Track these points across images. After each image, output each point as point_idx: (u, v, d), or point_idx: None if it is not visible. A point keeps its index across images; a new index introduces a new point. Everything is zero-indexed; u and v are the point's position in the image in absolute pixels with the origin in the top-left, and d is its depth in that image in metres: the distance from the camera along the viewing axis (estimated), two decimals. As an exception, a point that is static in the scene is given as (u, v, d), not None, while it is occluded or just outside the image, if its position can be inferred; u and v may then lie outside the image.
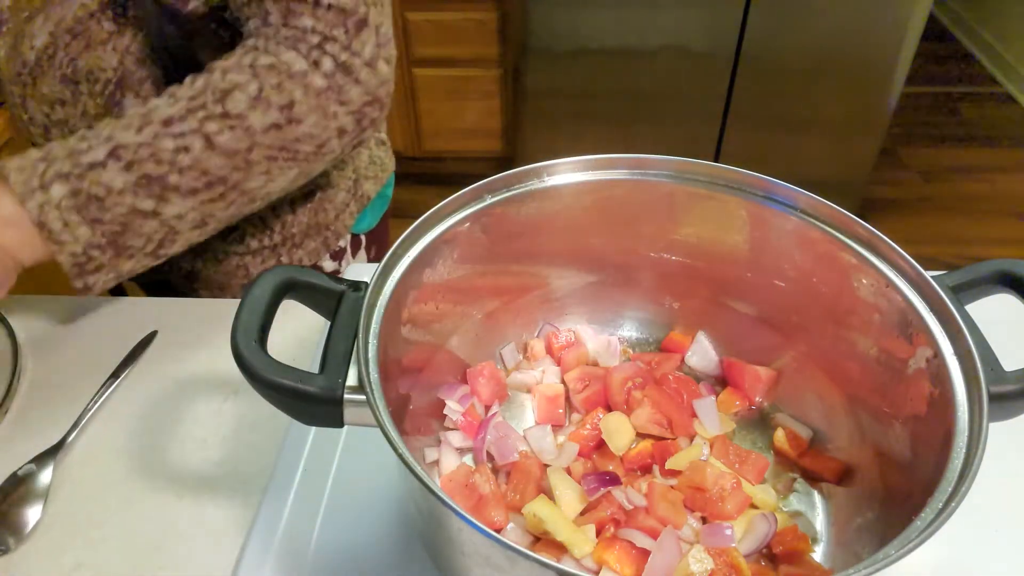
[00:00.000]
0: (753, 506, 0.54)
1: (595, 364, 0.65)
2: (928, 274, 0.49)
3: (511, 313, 0.64)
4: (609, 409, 0.61)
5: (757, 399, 0.62)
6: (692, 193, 0.58)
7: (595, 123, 2.20)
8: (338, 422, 0.44)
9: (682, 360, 0.65)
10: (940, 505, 0.39)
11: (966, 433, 0.42)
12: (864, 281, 0.52)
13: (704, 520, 0.53)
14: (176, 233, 0.66)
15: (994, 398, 0.43)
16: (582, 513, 0.53)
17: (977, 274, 0.51)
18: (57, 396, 0.69)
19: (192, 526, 0.59)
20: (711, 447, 0.58)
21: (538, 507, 0.51)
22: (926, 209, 2.43)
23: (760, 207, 0.56)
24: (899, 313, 0.50)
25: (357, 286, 0.49)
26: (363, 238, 0.97)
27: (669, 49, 2.02)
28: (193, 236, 0.68)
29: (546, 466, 0.56)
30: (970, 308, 0.48)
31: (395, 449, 0.39)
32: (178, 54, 0.73)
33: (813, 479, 0.57)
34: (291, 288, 0.48)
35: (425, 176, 2.47)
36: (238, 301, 0.47)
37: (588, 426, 0.59)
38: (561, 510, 0.52)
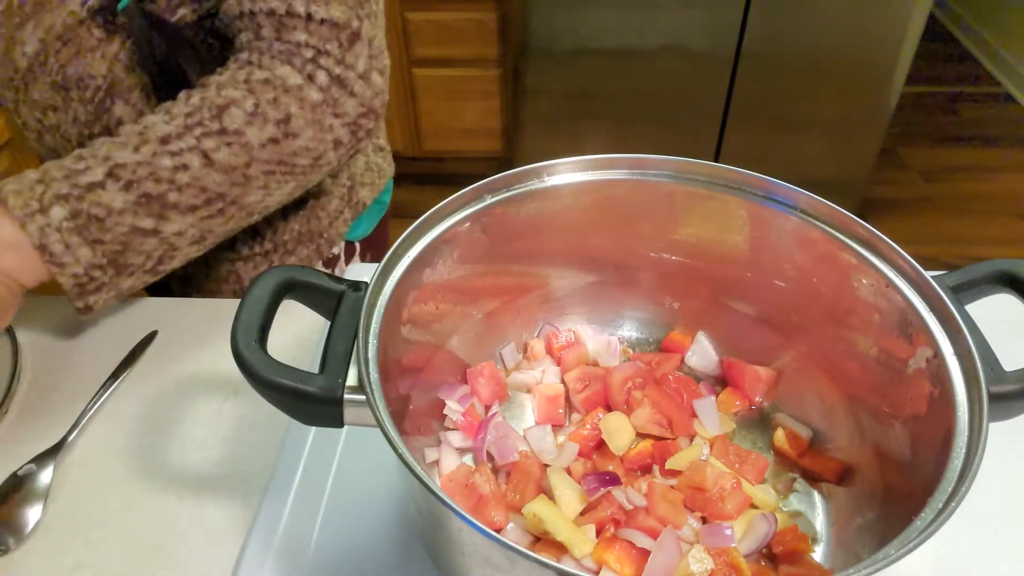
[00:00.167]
0: (753, 506, 0.54)
1: (595, 364, 0.65)
2: (928, 274, 0.49)
3: (511, 313, 0.64)
4: (609, 409, 0.61)
5: (757, 399, 0.62)
6: (692, 193, 0.58)
7: (595, 123, 2.20)
8: (338, 422, 0.44)
9: (682, 360, 0.65)
10: (940, 505, 0.39)
11: (966, 433, 0.42)
12: (864, 281, 0.52)
13: (704, 520, 0.53)
14: (175, 250, 0.66)
15: (994, 398, 0.43)
16: (582, 513, 0.53)
17: (977, 274, 0.51)
18: (57, 396, 0.69)
19: (192, 526, 0.59)
20: (711, 447, 0.58)
21: (538, 507, 0.51)
22: (926, 209, 2.43)
23: (760, 207, 0.56)
24: (899, 313, 0.50)
25: (357, 286, 0.49)
26: (357, 245, 0.97)
27: (669, 49, 2.02)
28: (192, 251, 0.68)
29: (546, 466, 0.56)
30: (970, 308, 0.48)
31: (395, 449, 0.40)
32: (166, 65, 0.73)
33: (813, 479, 0.57)
34: (291, 288, 0.48)
35: (425, 176, 2.47)
36: (238, 301, 0.47)
37: (588, 426, 0.59)
38: (561, 510, 0.52)
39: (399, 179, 1.06)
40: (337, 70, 0.67)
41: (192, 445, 0.65)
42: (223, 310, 0.75)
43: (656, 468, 0.57)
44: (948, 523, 0.38)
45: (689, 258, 0.62)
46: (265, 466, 0.62)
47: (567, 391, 0.63)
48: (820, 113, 2.11)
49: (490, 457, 0.58)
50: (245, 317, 0.45)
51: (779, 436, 0.59)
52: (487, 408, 0.61)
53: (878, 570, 0.36)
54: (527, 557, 0.36)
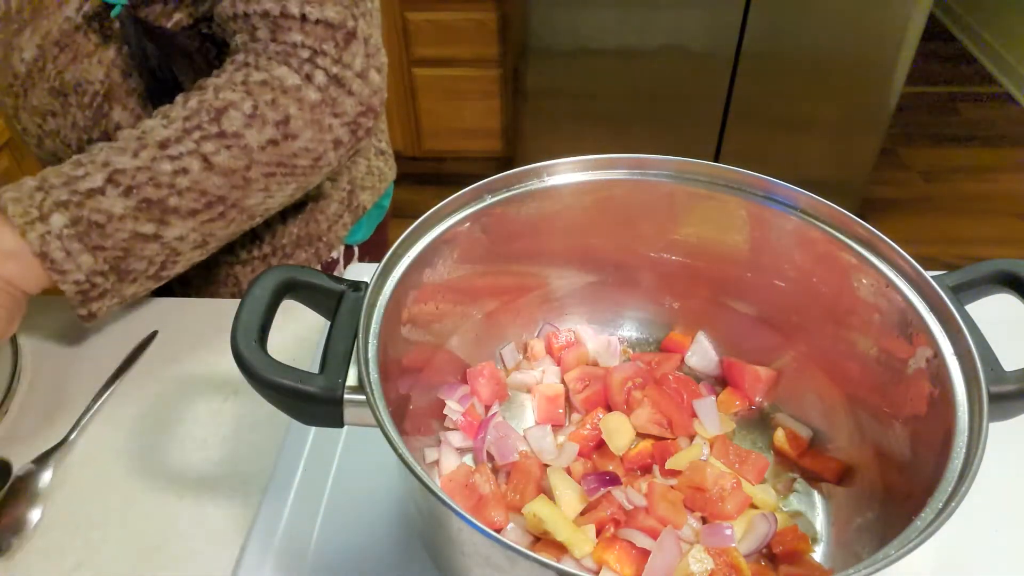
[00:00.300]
0: (753, 506, 0.54)
1: (595, 364, 0.65)
2: (928, 274, 0.49)
3: (511, 313, 0.64)
4: (609, 409, 0.61)
5: (757, 399, 0.62)
6: (692, 193, 0.58)
7: (595, 123, 2.20)
8: (338, 422, 0.44)
9: (682, 360, 0.65)
10: (940, 505, 0.39)
11: (966, 433, 0.42)
12: (864, 281, 0.52)
13: (704, 520, 0.53)
14: (178, 255, 0.66)
15: (994, 398, 0.43)
16: (582, 513, 0.53)
17: (977, 274, 0.51)
18: (57, 396, 0.69)
19: (192, 526, 0.59)
20: (711, 447, 0.58)
21: (538, 507, 0.51)
22: (926, 209, 2.43)
23: (760, 207, 0.56)
24: (899, 313, 0.50)
25: (357, 286, 0.49)
26: (356, 249, 0.97)
27: (669, 49, 2.02)
28: (195, 256, 0.68)
29: (546, 466, 0.56)
30: (970, 308, 0.48)
31: (395, 449, 0.40)
32: (160, 72, 0.73)
33: (813, 479, 0.57)
34: (291, 288, 0.48)
35: (425, 176, 2.47)
36: (238, 301, 0.47)
37: (588, 426, 0.59)
38: (561, 510, 0.52)
39: (399, 179, 1.06)
40: (334, 69, 0.67)
41: (192, 445, 0.65)
42: (223, 310, 0.75)
43: (656, 468, 0.57)
44: (948, 523, 0.38)
45: (689, 258, 0.62)
46: (265, 466, 0.62)
47: (567, 391, 0.63)
48: (820, 113, 2.11)
49: (490, 457, 0.58)
50: (245, 317, 0.45)
51: (779, 436, 0.59)
52: (487, 408, 0.61)
53: (878, 570, 0.36)
54: (527, 557, 0.36)
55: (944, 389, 0.45)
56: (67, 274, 0.61)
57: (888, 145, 2.55)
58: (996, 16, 3.10)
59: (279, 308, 0.48)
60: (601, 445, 0.58)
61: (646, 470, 0.57)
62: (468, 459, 0.58)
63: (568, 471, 0.56)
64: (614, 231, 0.62)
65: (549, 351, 0.65)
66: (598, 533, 0.51)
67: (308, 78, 0.66)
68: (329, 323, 0.48)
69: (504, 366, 0.65)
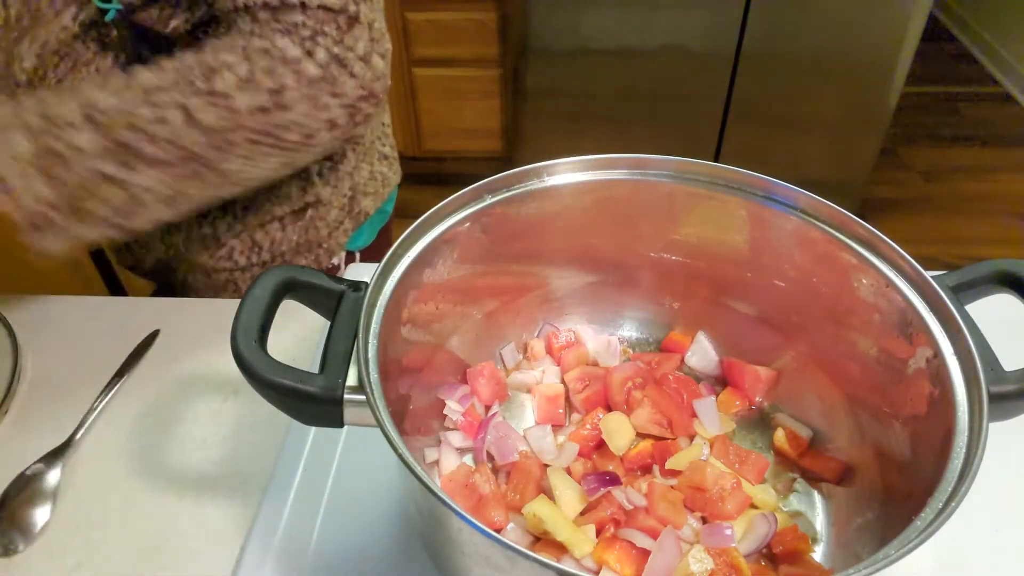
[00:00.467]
0: (753, 506, 0.54)
1: (595, 364, 0.65)
2: (928, 274, 0.49)
3: (511, 313, 0.64)
4: (609, 409, 0.61)
5: (757, 399, 0.62)
6: (692, 193, 0.58)
7: (595, 123, 2.20)
8: (338, 422, 0.44)
9: (682, 360, 0.65)
10: (940, 505, 0.39)
11: (966, 433, 0.42)
12: (864, 281, 0.52)
13: (704, 520, 0.53)
14: (142, 205, 0.64)
15: (994, 398, 0.43)
16: (582, 513, 0.53)
17: (977, 274, 0.51)
18: (57, 396, 0.69)
19: (192, 526, 0.59)
20: (711, 447, 0.58)
21: (538, 507, 0.51)
22: (926, 209, 2.43)
23: (760, 207, 0.56)
24: (899, 313, 0.50)
25: (357, 286, 0.49)
26: (358, 255, 0.96)
27: (669, 49, 2.02)
28: (162, 211, 0.65)
29: (546, 466, 0.56)
30: (970, 308, 0.48)
31: (395, 449, 0.40)
32: None
33: (813, 479, 0.57)
34: (291, 288, 0.48)
35: (425, 176, 2.47)
36: (238, 301, 0.47)
37: (588, 426, 0.59)
38: (561, 510, 0.52)
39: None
40: (336, 49, 0.65)
41: (192, 445, 0.65)
42: (224, 310, 0.75)
43: (656, 468, 0.57)
44: (948, 523, 0.38)
45: (689, 258, 0.62)
46: (265, 466, 0.62)
47: (567, 391, 0.63)
48: (820, 113, 2.11)
49: (490, 457, 0.58)
50: (245, 317, 0.45)
51: (779, 436, 0.59)
52: (487, 408, 0.61)
53: (878, 570, 0.36)
54: (527, 557, 0.36)
55: (944, 389, 0.45)
56: (20, 199, 0.59)
57: (888, 145, 2.55)
58: (996, 16, 3.10)
59: (279, 308, 0.48)
60: (601, 445, 0.58)
61: (646, 470, 0.57)
62: (468, 459, 0.58)
63: (568, 471, 0.56)
64: (614, 231, 0.62)
65: (549, 351, 0.65)
66: (598, 533, 0.51)
67: (309, 53, 0.65)
68: (329, 323, 0.48)
69: (504, 366, 0.65)
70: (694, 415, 0.60)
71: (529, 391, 0.63)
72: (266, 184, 0.82)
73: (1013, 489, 0.59)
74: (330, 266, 0.92)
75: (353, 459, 0.61)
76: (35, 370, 0.72)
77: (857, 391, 0.55)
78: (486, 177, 0.55)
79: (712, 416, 0.59)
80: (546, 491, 0.54)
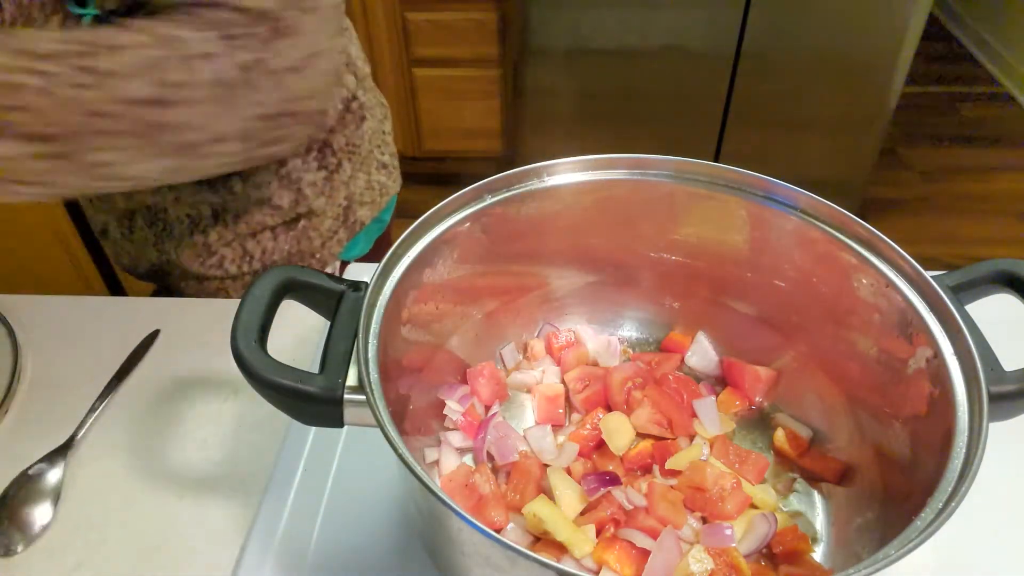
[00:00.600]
0: (753, 506, 0.54)
1: (595, 364, 0.65)
2: (928, 274, 0.49)
3: (511, 313, 0.64)
4: (609, 409, 0.61)
5: (757, 399, 0.62)
6: (692, 193, 0.58)
7: (595, 123, 2.20)
8: (338, 422, 0.44)
9: (682, 360, 0.65)
10: (940, 505, 0.39)
11: (966, 433, 0.42)
12: (864, 281, 0.52)
13: (704, 520, 0.53)
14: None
15: (994, 398, 0.43)
16: (582, 513, 0.53)
17: (977, 274, 0.51)
18: (57, 396, 0.69)
19: (192, 526, 0.59)
20: (711, 447, 0.58)
21: (538, 507, 0.51)
22: (926, 209, 2.43)
23: (760, 207, 0.56)
24: (899, 313, 0.50)
25: (357, 286, 0.49)
26: (353, 265, 0.95)
27: (669, 49, 2.02)
28: (30, 191, 0.60)
29: (546, 466, 0.56)
30: (970, 308, 0.48)
31: (395, 449, 0.40)
32: None
33: (813, 479, 0.57)
34: (291, 288, 0.48)
35: (425, 176, 2.47)
36: (238, 301, 0.47)
37: (588, 426, 0.59)
38: (561, 510, 0.52)
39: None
40: (262, 54, 0.60)
41: (192, 445, 0.65)
42: (224, 310, 0.75)
43: (656, 468, 0.57)
44: (948, 523, 0.38)
45: (689, 258, 0.62)
46: (265, 466, 0.62)
47: (567, 391, 0.63)
48: (820, 113, 2.11)
49: (490, 457, 0.58)
50: (245, 317, 0.45)
51: (779, 436, 0.59)
52: (487, 408, 0.61)
53: (878, 570, 0.36)
54: (527, 557, 0.36)
55: (944, 389, 0.45)
56: None
57: (888, 145, 2.55)
58: (996, 16, 3.10)
59: (279, 308, 0.48)
60: (601, 445, 0.58)
61: (646, 470, 0.57)
62: (468, 459, 0.58)
63: (568, 471, 0.56)
64: (614, 231, 0.62)
65: (549, 351, 0.65)
66: (598, 533, 0.51)
67: (231, 53, 0.60)
68: (329, 323, 0.48)
69: (504, 366, 0.65)
70: (694, 415, 0.60)
71: (529, 391, 0.63)
72: (257, 193, 0.81)
73: (1013, 489, 0.59)
74: None
75: (353, 459, 0.61)
76: (35, 370, 0.72)
77: (857, 391, 0.55)
78: (486, 177, 0.55)
79: (712, 416, 0.59)
80: (546, 491, 0.54)
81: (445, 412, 0.59)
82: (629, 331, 0.68)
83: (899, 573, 0.38)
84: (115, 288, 1.50)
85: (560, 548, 0.50)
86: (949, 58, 3.20)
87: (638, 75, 2.08)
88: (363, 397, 0.43)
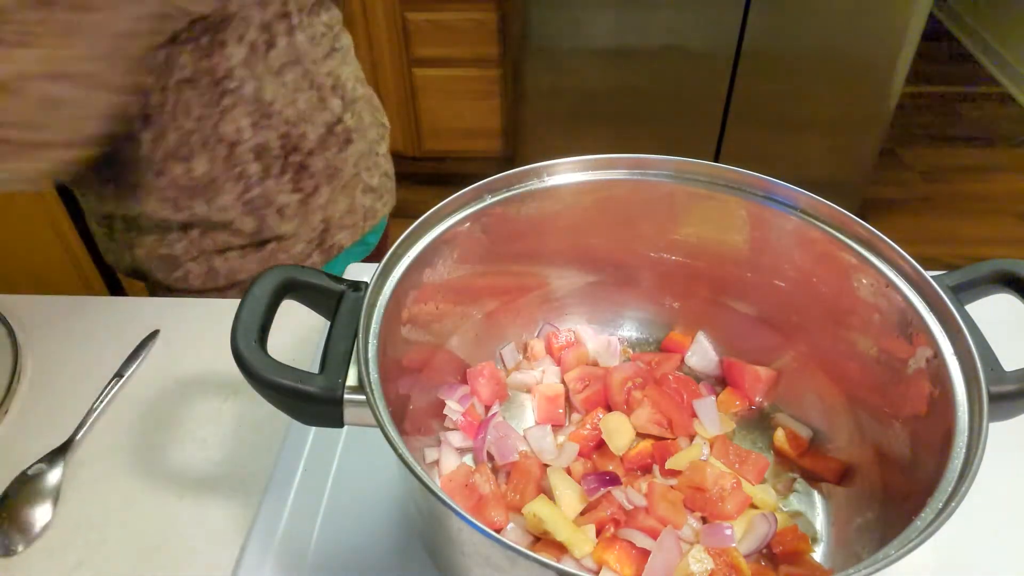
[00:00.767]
0: (753, 506, 0.54)
1: (595, 364, 0.65)
2: (928, 274, 0.49)
3: (511, 313, 0.64)
4: (609, 409, 0.61)
5: (757, 399, 0.62)
6: (692, 193, 0.58)
7: (595, 123, 2.20)
8: (338, 422, 0.44)
9: (682, 360, 0.65)
10: (940, 505, 0.39)
11: (966, 433, 0.42)
12: (864, 281, 0.52)
13: (704, 520, 0.53)
14: None
15: (994, 398, 0.43)
16: (582, 513, 0.53)
17: (977, 274, 0.51)
18: (57, 396, 0.69)
19: (192, 526, 0.59)
20: (711, 447, 0.58)
21: (538, 507, 0.51)
22: (926, 209, 2.43)
23: (760, 207, 0.56)
24: (899, 313, 0.50)
25: (357, 286, 0.49)
26: (353, 265, 0.92)
27: (669, 49, 2.02)
28: None
29: (546, 466, 0.56)
30: (970, 308, 0.48)
31: (395, 449, 0.40)
32: None
33: (813, 479, 0.57)
34: (291, 288, 0.48)
35: (425, 176, 2.47)
36: (238, 301, 0.47)
37: (588, 426, 0.59)
38: (561, 510, 0.52)
39: (399, 179, 1.04)
40: None
41: (192, 445, 0.65)
42: (223, 310, 0.75)
43: (656, 468, 0.57)
44: (948, 523, 0.38)
45: (689, 258, 0.62)
46: (265, 466, 0.62)
47: (567, 391, 0.63)
48: (820, 113, 2.11)
49: (490, 457, 0.58)
50: (245, 317, 0.45)
51: (779, 436, 0.59)
52: (487, 408, 0.61)
53: (878, 570, 0.36)
54: (527, 557, 0.36)
55: (944, 389, 0.45)
56: None
57: (888, 145, 2.56)
58: (996, 16, 3.10)
59: (279, 308, 0.48)
60: (601, 445, 0.58)
61: (646, 470, 0.57)
62: (468, 459, 0.58)
63: (568, 471, 0.56)
64: (614, 231, 0.62)
65: (549, 351, 0.65)
66: (598, 533, 0.51)
67: None
68: (329, 323, 0.48)
69: (504, 366, 0.65)
70: (694, 415, 0.60)
71: (529, 391, 0.63)
72: (220, 216, 0.80)
73: (1013, 489, 0.59)
74: None
75: (353, 459, 0.61)
76: (35, 370, 0.72)
77: (857, 391, 0.55)
78: (486, 177, 0.55)
79: (712, 416, 0.59)
80: (546, 491, 0.54)
81: (445, 412, 0.59)
82: (629, 331, 0.68)
83: (899, 573, 0.38)
84: (115, 288, 1.51)
85: (560, 548, 0.50)
86: (949, 58, 3.20)
87: (638, 75, 2.08)
88: (363, 397, 0.43)
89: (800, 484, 0.57)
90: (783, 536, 0.52)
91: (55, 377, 0.71)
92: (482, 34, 2.12)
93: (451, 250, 0.55)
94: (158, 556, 0.57)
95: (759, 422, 0.61)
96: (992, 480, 0.50)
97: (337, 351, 0.45)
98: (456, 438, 0.58)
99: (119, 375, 0.70)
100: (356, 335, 0.46)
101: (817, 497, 0.56)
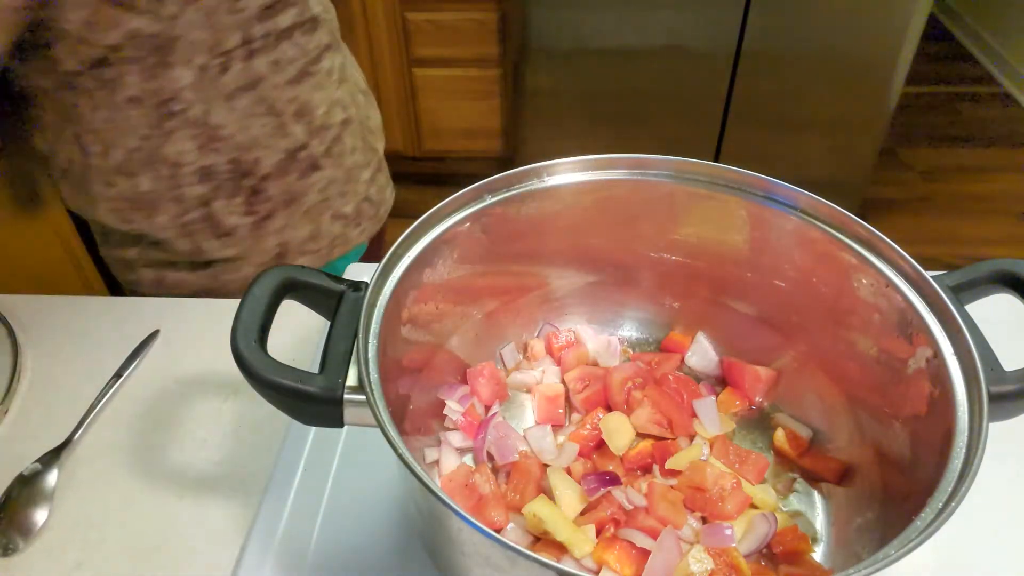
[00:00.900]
0: (753, 506, 0.54)
1: (595, 364, 0.65)
2: (928, 274, 0.49)
3: (511, 313, 0.64)
4: (609, 409, 0.61)
5: (757, 399, 0.62)
6: (692, 193, 0.58)
7: (595, 123, 2.20)
8: (338, 422, 0.44)
9: (682, 360, 0.65)
10: (940, 505, 0.39)
11: (966, 433, 0.42)
12: (864, 281, 0.52)
13: (704, 520, 0.53)
14: None
15: (994, 398, 0.43)
16: (582, 513, 0.53)
17: (977, 274, 0.51)
18: (57, 396, 0.69)
19: (192, 526, 0.59)
20: (711, 447, 0.58)
21: (538, 507, 0.51)
22: (926, 209, 2.43)
23: (760, 207, 0.56)
24: (899, 313, 0.50)
25: (357, 286, 0.49)
26: (353, 265, 0.91)
27: (669, 49, 2.02)
28: None
29: (546, 466, 0.56)
30: (970, 308, 0.48)
31: (395, 449, 0.39)
32: None
33: (813, 479, 0.57)
34: (291, 288, 0.48)
35: (425, 176, 2.47)
36: (238, 301, 0.47)
37: (588, 426, 0.59)
38: (561, 510, 0.52)
39: (399, 179, 1.03)
40: None
41: (192, 445, 0.65)
42: (223, 310, 0.75)
43: (656, 468, 0.57)
44: (948, 523, 0.38)
45: (689, 258, 0.62)
46: (265, 466, 0.62)
47: (567, 391, 0.63)
48: (820, 113, 2.11)
49: (490, 457, 0.58)
50: (245, 317, 0.45)
51: (779, 436, 0.59)
52: (487, 408, 0.61)
53: (878, 570, 0.36)
54: (527, 557, 0.36)
55: (944, 389, 0.45)
56: None
57: (888, 145, 2.55)
58: (996, 16, 3.10)
59: (279, 308, 0.48)
60: (601, 445, 0.58)
61: (646, 470, 0.57)
62: (468, 459, 0.58)
63: (568, 471, 0.56)
64: (614, 231, 0.62)
65: (549, 351, 0.65)
66: (598, 533, 0.51)
67: None
68: (329, 323, 0.48)
69: (504, 366, 0.65)
70: (694, 415, 0.60)
71: (529, 391, 0.63)
72: (161, 234, 0.81)
73: (1013, 489, 0.59)
74: None
75: (353, 459, 0.61)
76: (35, 370, 0.72)
77: (857, 391, 0.55)
78: (486, 177, 0.55)
79: (712, 416, 0.59)
80: (546, 491, 0.54)
81: (445, 412, 0.59)
82: (629, 331, 0.68)
83: (899, 573, 0.38)
84: (115, 288, 1.50)
85: (560, 548, 0.50)
86: (949, 58, 3.20)
87: (638, 75, 2.08)
88: (363, 397, 0.43)
89: (800, 484, 0.57)
90: (783, 536, 0.52)
91: (55, 377, 0.71)
92: (482, 34, 2.12)
93: (451, 250, 0.55)
94: (158, 556, 0.57)
95: (759, 422, 0.61)
96: (992, 480, 0.50)
97: (337, 351, 0.45)
98: (456, 438, 0.58)
99: (119, 375, 0.70)
100: (356, 335, 0.46)
101: (817, 497, 0.56)
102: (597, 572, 0.49)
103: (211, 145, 0.76)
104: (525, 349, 0.66)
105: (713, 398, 0.61)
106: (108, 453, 0.64)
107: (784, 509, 0.55)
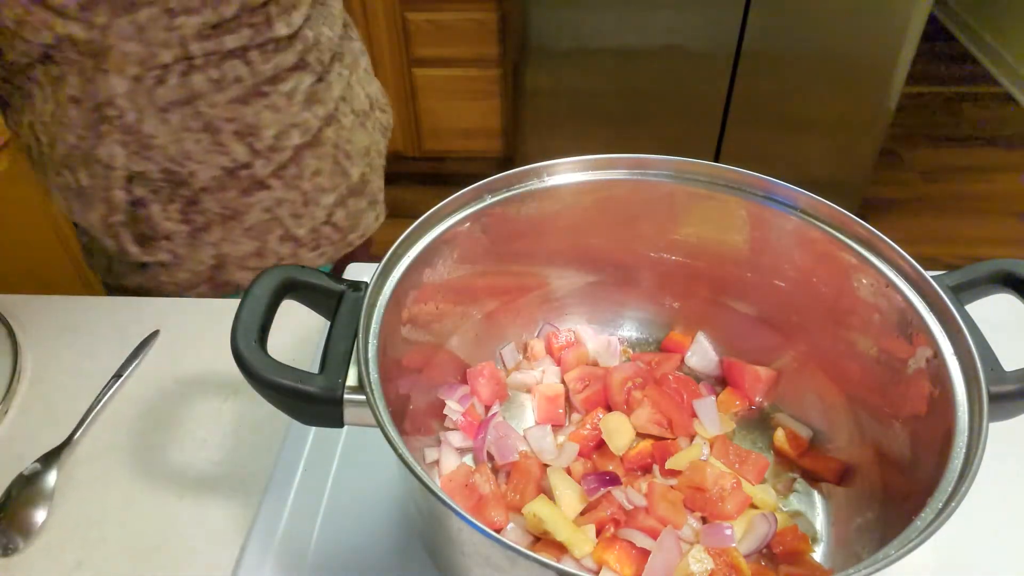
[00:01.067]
0: (753, 506, 0.54)
1: (595, 364, 0.65)
2: (928, 274, 0.49)
3: (511, 313, 0.64)
4: (609, 409, 0.61)
5: (757, 399, 0.62)
6: (692, 193, 0.58)
7: (595, 123, 2.20)
8: (338, 422, 0.44)
9: (682, 360, 0.65)
10: (940, 505, 0.39)
11: (966, 433, 0.42)
12: (864, 281, 0.52)
13: (704, 520, 0.53)
14: None
15: (994, 398, 0.43)
16: (582, 513, 0.53)
17: (977, 274, 0.51)
18: (57, 396, 0.69)
19: (192, 526, 0.59)
20: (711, 447, 0.58)
21: (538, 507, 0.51)
22: (926, 209, 2.43)
23: (760, 207, 0.56)
24: (899, 313, 0.50)
25: (357, 286, 0.49)
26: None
27: (669, 49, 2.02)
28: None
29: (546, 466, 0.56)
30: (970, 308, 0.48)
31: (395, 449, 0.40)
32: None
33: (813, 479, 0.57)
34: (291, 288, 0.48)
35: (425, 176, 2.47)
36: (238, 301, 0.47)
37: (588, 426, 0.59)
38: (561, 510, 0.52)
39: (398, 179, 1.02)
40: None
41: (192, 445, 0.65)
42: (224, 310, 0.75)
43: (656, 468, 0.57)
44: (948, 523, 0.38)
45: (689, 258, 0.62)
46: (265, 466, 0.62)
47: (567, 391, 0.63)
48: (820, 113, 2.11)
49: (490, 457, 0.58)
50: (245, 317, 0.45)
51: (779, 436, 0.59)
52: (487, 408, 0.61)
53: (878, 570, 0.36)
54: (527, 557, 0.36)
55: (944, 389, 0.45)
56: None
57: (888, 145, 2.55)
58: (996, 16, 3.10)
59: (279, 308, 0.48)
60: (601, 445, 0.58)
61: (646, 470, 0.57)
62: (468, 459, 0.58)
63: (568, 471, 0.56)
64: (614, 231, 0.62)
65: (549, 351, 0.65)
66: (598, 533, 0.51)
67: None
68: (329, 323, 0.48)
69: (504, 366, 0.65)
70: (694, 415, 0.60)
71: (529, 391, 0.63)
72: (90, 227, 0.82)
73: (1013, 489, 0.59)
74: None
75: (353, 459, 0.61)
76: (35, 370, 0.72)
77: (857, 391, 0.55)
78: (486, 177, 0.55)
79: (712, 416, 0.59)
80: (546, 491, 0.54)
81: (445, 412, 0.59)
82: (629, 331, 0.68)
83: (899, 573, 0.38)
84: (115, 288, 1.50)
85: (560, 548, 0.50)
86: (949, 58, 3.20)
87: (638, 75, 2.08)
88: (363, 397, 0.43)
89: (800, 484, 0.57)
90: (783, 536, 0.52)
91: (55, 377, 0.71)
92: (482, 34, 2.12)
93: (451, 250, 0.55)
94: (158, 556, 0.57)
95: (759, 422, 0.61)
96: (992, 480, 0.50)
97: (337, 351, 0.45)
98: (456, 438, 0.58)
99: (119, 375, 0.70)
100: (356, 335, 0.46)
101: (817, 497, 0.56)
102: (597, 572, 0.49)
103: (143, 153, 0.77)
104: (525, 349, 0.66)
105: (713, 398, 0.61)
106: (108, 453, 0.64)
107: (784, 509, 0.55)
